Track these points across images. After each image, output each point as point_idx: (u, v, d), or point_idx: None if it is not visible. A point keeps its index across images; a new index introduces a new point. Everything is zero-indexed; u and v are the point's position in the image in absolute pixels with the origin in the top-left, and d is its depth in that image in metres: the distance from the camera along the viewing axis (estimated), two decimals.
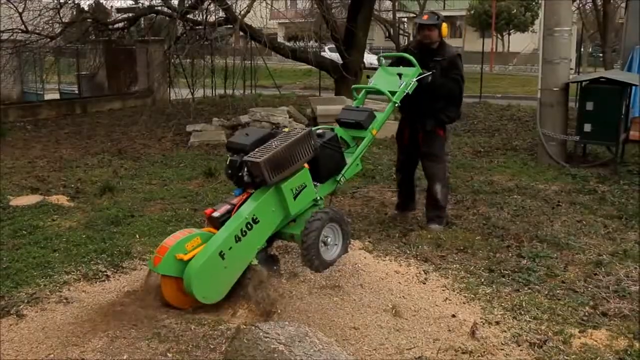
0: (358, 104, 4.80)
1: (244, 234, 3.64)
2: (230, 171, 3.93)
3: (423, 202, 5.58)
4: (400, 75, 4.67)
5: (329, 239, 4.10)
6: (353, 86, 4.98)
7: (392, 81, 4.67)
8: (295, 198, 3.93)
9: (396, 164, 5.72)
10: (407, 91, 4.61)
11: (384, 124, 4.74)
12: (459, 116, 5.29)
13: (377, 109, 4.97)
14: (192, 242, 3.57)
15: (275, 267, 4.00)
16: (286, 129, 4.19)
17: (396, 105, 4.65)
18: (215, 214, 3.74)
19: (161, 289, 3.56)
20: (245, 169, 3.80)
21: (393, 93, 4.64)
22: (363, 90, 4.83)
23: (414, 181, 5.67)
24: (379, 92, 4.84)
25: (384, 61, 5.14)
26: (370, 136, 4.48)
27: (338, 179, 4.32)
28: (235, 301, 3.65)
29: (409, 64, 4.82)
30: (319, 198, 4.20)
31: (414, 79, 4.65)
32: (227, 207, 3.79)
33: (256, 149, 3.83)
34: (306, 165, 4.01)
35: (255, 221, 3.71)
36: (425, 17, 4.99)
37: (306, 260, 3.98)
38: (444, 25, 4.88)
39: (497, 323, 3.57)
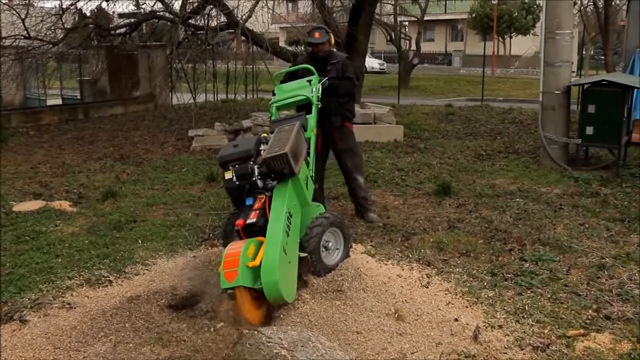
0: (276, 118, 4.91)
1: (289, 228, 3.65)
2: (238, 182, 3.80)
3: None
4: (309, 82, 5.02)
5: (330, 244, 4.10)
6: (271, 102, 5.04)
7: (305, 90, 4.98)
8: (306, 188, 4.00)
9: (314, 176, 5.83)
10: (319, 95, 4.94)
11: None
12: (354, 113, 5.80)
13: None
14: (249, 249, 3.45)
15: None
16: (264, 134, 4.22)
17: (319, 107, 4.89)
18: (251, 221, 3.66)
19: (239, 307, 3.36)
20: (257, 173, 3.79)
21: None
22: (274, 106, 4.97)
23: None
24: (296, 103, 5.03)
25: (277, 81, 5.41)
26: (314, 136, 4.65)
27: (311, 176, 4.34)
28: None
29: (301, 77, 5.14)
30: None
31: (319, 84, 5.03)
32: (255, 212, 3.72)
33: (267, 147, 3.83)
34: None
35: (290, 215, 3.72)
36: (317, 35, 5.41)
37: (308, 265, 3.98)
38: (331, 36, 5.48)
39: (500, 327, 3.56)
